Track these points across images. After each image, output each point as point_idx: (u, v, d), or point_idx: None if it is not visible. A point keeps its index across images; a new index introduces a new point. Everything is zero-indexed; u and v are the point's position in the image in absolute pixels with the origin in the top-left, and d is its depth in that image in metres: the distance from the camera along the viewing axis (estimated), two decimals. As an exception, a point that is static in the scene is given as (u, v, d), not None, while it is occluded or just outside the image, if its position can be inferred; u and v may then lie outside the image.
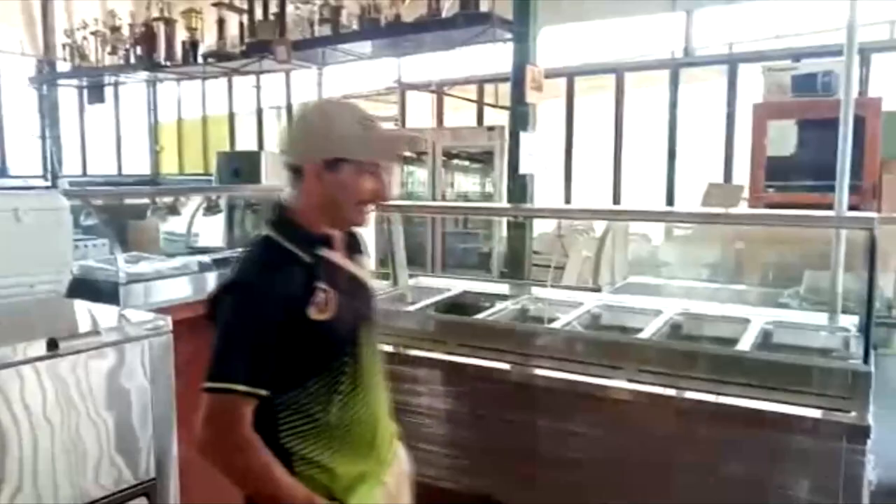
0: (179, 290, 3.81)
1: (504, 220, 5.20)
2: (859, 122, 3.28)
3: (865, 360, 2.31)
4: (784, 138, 4.66)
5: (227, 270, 1.55)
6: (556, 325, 2.96)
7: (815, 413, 2.21)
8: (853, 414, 2.17)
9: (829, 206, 2.94)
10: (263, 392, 1.46)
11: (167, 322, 2.70)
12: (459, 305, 3.54)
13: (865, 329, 2.39)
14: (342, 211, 1.56)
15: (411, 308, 3.39)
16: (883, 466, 2.48)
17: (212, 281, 4.23)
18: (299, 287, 1.49)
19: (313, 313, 1.49)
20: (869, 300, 2.37)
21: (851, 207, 2.99)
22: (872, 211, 3.85)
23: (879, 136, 4.34)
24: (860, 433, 2.15)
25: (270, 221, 1.58)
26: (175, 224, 4.97)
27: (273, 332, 1.45)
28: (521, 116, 4.38)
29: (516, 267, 4.48)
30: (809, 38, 5.91)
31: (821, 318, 2.99)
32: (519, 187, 4.38)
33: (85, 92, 8.89)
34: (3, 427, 2.40)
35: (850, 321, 2.84)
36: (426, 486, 3.19)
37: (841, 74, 3.82)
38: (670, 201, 6.36)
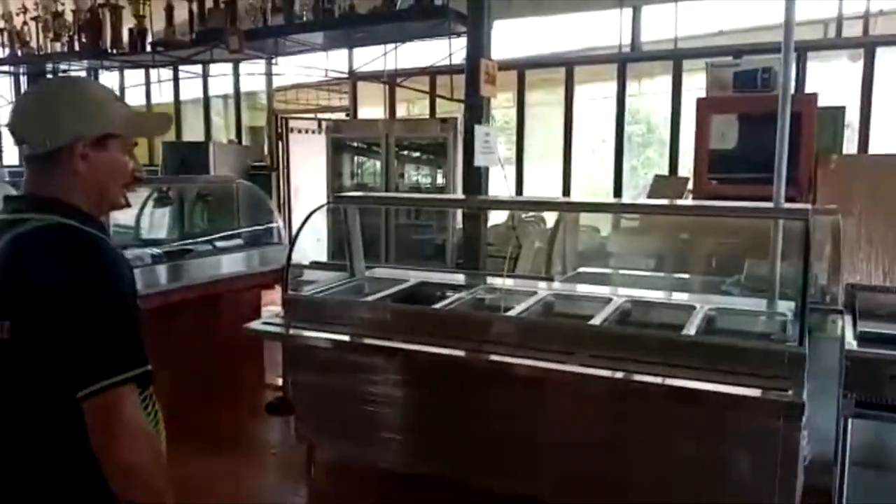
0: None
1: (458, 211, 5.26)
2: (796, 118, 3.43)
3: (801, 342, 2.45)
4: (726, 132, 4.83)
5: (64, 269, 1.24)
6: (511, 313, 3.04)
7: (755, 392, 2.35)
8: (789, 393, 2.31)
9: (768, 198, 3.07)
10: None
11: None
12: (417, 295, 3.60)
13: (801, 314, 2.54)
14: (110, 193, 1.43)
15: (369, 298, 3.43)
16: (815, 442, 2.65)
17: (164, 273, 4.19)
18: (132, 271, 1.41)
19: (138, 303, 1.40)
20: (804, 287, 2.51)
21: (788, 199, 3.14)
22: (808, 203, 4.05)
23: (815, 131, 4.55)
24: (796, 411, 2.29)
25: (39, 209, 1.34)
26: (124, 215, 4.87)
27: (135, 315, 1.32)
28: (475, 109, 4.43)
29: (471, 258, 4.55)
30: (750, 35, 6.13)
31: (760, 303, 3.15)
32: (474, 179, 4.45)
33: (24, 79, 8.59)
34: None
35: (787, 307, 3.00)
36: (386, 473, 3.25)
37: (779, 71, 4.00)
38: (618, 193, 6.53)
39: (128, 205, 1.50)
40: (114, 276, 1.30)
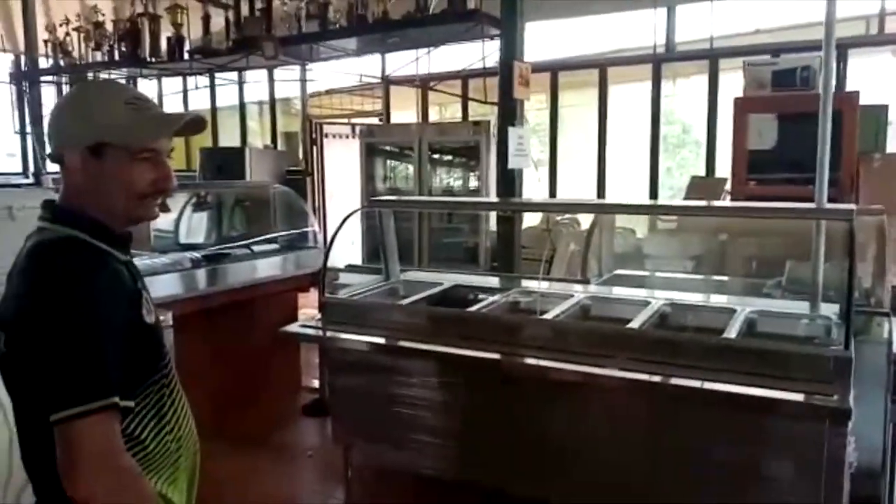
0: (174, 285, 3.84)
1: (492, 214, 5.25)
2: (837, 116, 3.36)
3: (846, 346, 2.39)
4: (765, 132, 4.76)
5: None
6: (547, 316, 3.02)
7: (799, 397, 2.29)
8: (835, 398, 2.25)
9: (809, 199, 3.01)
10: (132, 404, 1.29)
11: (167, 317, 2.75)
12: (452, 298, 3.60)
13: (846, 317, 2.47)
14: (120, 206, 1.34)
15: (405, 301, 3.44)
16: (862, 449, 2.59)
17: (203, 277, 4.27)
18: (130, 288, 1.34)
19: (146, 316, 1.35)
20: (849, 289, 2.45)
21: (830, 200, 3.08)
22: (850, 203, 3.96)
23: (857, 129, 4.45)
24: (842, 416, 2.23)
25: (57, 220, 1.34)
26: (164, 221, 4.98)
27: (120, 339, 1.26)
28: (508, 112, 4.42)
29: (506, 260, 4.54)
30: (788, 33, 6.03)
31: (803, 306, 3.08)
32: (508, 182, 4.44)
33: (66, 88, 8.81)
34: (9, 423, 2.44)
35: (831, 309, 2.93)
36: (423, 476, 3.26)
37: (819, 69, 3.92)
38: (654, 194, 6.47)
39: (155, 216, 1.44)
40: (86, 300, 1.23)
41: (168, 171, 1.39)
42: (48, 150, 1.38)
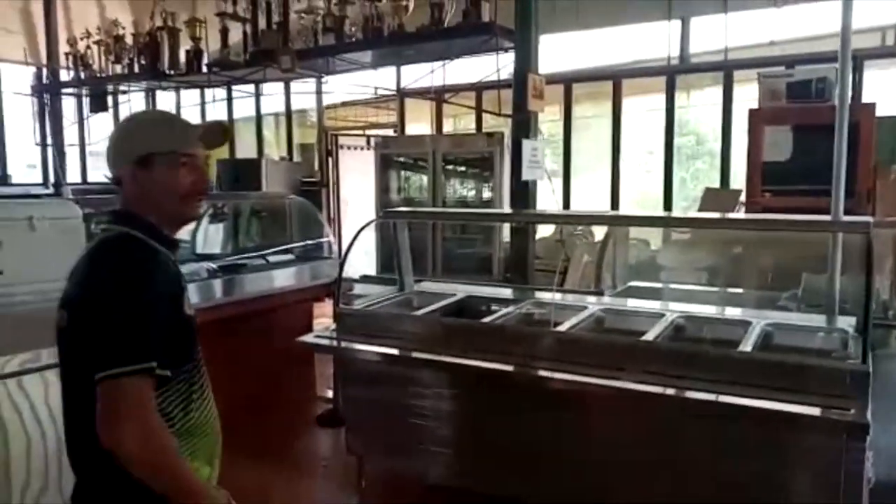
0: (190, 295, 3.86)
1: (506, 225, 5.26)
2: (853, 128, 3.34)
3: (864, 360, 2.37)
4: (780, 143, 4.73)
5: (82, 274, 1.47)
6: (561, 328, 3.02)
7: (816, 412, 2.28)
8: (852, 412, 2.23)
9: (825, 210, 3.00)
10: (168, 373, 1.46)
11: (185, 327, 2.77)
12: (466, 309, 3.61)
13: (863, 330, 2.46)
14: (168, 208, 1.55)
15: (419, 312, 3.45)
16: (881, 464, 2.56)
17: (219, 287, 4.30)
18: (175, 282, 1.52)
19: (186, 308, 1.52)
20: (866, 302, 2.44)
21: (846, 211, 3.06)
22: (867, 215, 3.93)
23: (873, 141, 4.42)
24: (859, 431, 2.22)
25: (117, 222, 1.55)
26: (181, 231, 5.02)
27: (163, 322, 1.44)
28: (522, 124, 4.44)
29: (519, 272, 4.54)
30: (803, 45, 6.01)
31: (819, 319, 3.06)
32: (521, 193, 4.45)
33: (86, 100, 8.94)
34: (27, 429, 2.48)
35: (848, 322, 2.91)
36: (436, 487, 3.26)
37: (835, 81, 3.90)
38: (668, 206, 6.45)
39: (199, 215, 1.66)
40: (138, 283, 1.43)
41: (205, 174, 1.64)
42: (110, 175, 1.60)
